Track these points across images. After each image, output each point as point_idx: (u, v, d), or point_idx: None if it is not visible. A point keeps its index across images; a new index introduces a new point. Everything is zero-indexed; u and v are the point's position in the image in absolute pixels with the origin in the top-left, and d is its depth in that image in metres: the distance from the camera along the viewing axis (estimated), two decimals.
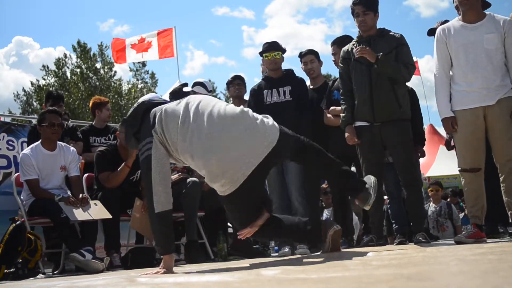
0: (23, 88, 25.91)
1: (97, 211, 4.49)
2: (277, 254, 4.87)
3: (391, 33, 4.19)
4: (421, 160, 5.05)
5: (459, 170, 3.84)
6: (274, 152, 2.94)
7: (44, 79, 24.40)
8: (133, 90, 25.33)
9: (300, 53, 5.21)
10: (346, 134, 4.18)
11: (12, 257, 4.16)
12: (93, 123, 5.93)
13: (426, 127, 12.83)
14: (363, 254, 3.18)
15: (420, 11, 49.03)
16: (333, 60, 4.89)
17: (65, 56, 24.77)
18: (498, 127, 3.70)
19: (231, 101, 5.78)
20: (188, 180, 4.90)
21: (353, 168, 5.02)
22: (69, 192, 4.71)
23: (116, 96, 23.86)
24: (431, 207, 7.45)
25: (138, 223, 4.80)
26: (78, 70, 24.19)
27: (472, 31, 3.76)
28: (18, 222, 4.23)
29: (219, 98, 26.75)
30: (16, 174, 4.94)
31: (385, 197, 4.79)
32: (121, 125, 5.00)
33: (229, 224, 5.78)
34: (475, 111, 3.71)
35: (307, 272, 2.13)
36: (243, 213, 3.05)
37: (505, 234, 4.33)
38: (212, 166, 2.87)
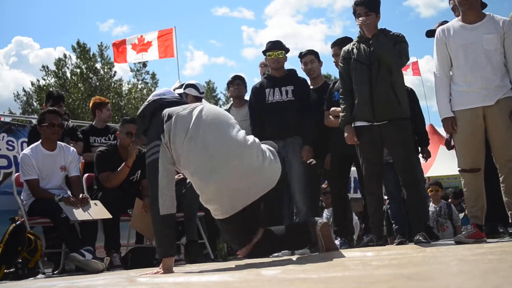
0: (23, 88, 25.93)
1: (97, 211, 4.49)
2: (277, 254, 4.86)
3: (391, 33, 4.20)
4: (421, 159, 5.05)
5: (459, 170, 3.85)
6: (271, 190, 3.02)
7: (44, 79, 24.42)
8: (133, 90, 25.35)
9: (300, 53, 5.21)
10: (345, 134, 4.18)
11: (12, 257, 4.16)
12: (93, 123, 5.93)
13: (426, 127, 12.80)
14: (363, 254, 3.18)
15: (420, 11, 49.08)
16: (334, 61, 4.89)
17: (65, 56, 24.80)
18: (497, 127, 3.70)
19: (231, 101, 5.79)
20: (188, 180, 4.89)
21: (353, 168, 5.04)
22: (69, 192, 4.71)
23: (116, 97, 23.86)
24: (431, 207, 7.45)
25: (138, 223, 4.80)
26: (78, 70, 24.19)
27: (472, 31, 3.76)
28: (18, 222, 4.23)
29: (219, 98, 26.27)
30: (16, 174, 4.94)
31: (385, 197, 4.79)
32: (121, 125, 5.02)
33: None
34: (474, 111, 3.71)
35: (307, 272, 2.13)
36: (236, 235, 3.14)
37: (505, 234, 4.33)
38: (209, 191, 2.92)
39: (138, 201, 4.78)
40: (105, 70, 24.66)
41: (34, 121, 6.48)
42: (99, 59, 24.77)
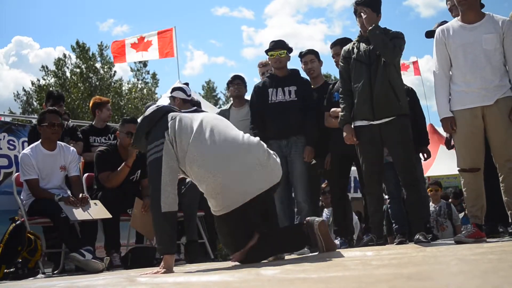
0: (23, 88, 25.91)
1: (97, 211, 4.49)
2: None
3: (391, 32, 4.21)
4: (422, 159, 5.05)
5: (459, 170, 3.85)
6: (271, 189, 3.07)
7: (44, 79, 24.42)
8: (133, 90, 25.35)
9: (300, 53, 5.21)
10: (344, 134, 4.18)
11: (12, 257, 4.16)
12: (93, 123, 5.93)
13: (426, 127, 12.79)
14: (363, 254, 3.18)
15: (419, 11, 49.06)
16: (335, 61, 4.88)
17: (65, 56, 24.79)
18: (496, 127, 3.70)
19: (231, 101, 5.79)
20: (188, 180, 4.90)
21: (353, 168, 5.04)
22: (69, 192, 4.71)
23: (116, 96, 23.86)
24: (430, 207, 7.45)
25: (138, 223, 4.80)
26: (78, 70, 24.18)
27: (471, 31, 3.76)
28: (18, 222, 4.23)
29: (219, 98, 26.27)
30: (16, 174, 4.94)
31: (386, 197, 4.79)
32: (121, 125, 5.01)
33: None
34: (473, 111, 3.72)
35: (307, 272, 2.13)
36: (232, 237, 3.14)
37: (505, 234, 4.33)
38: (216, 182, 2.92)
39: (138, 201, 4.78)
40: (105, 70, 24.65)
41: (34, 121, 6.48)
42: (99, 59, 24.78)
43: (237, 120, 4.94)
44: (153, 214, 2.96)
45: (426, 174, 11.41)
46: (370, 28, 4.06)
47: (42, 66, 24.65)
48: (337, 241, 4.69)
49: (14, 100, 25.71)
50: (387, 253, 3.14)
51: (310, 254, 3.95)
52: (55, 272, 4.84)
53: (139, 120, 3.42)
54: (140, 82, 26.24)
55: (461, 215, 7.68)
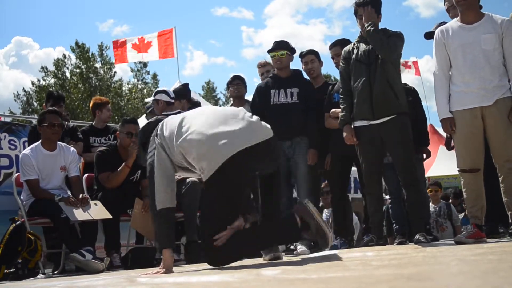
0: (23, 88, 25.92)
1: (97, 211, 4.49)
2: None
3: (390, 32, 4.22)
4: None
5: (458, 171, 3.85)
6: (258, 152, 2.91)
7: (44, 79, 24.43)
8: (133, 90, 25.35)
9: (301, 53, 5.21)
10: (344, 134, 4.18)
11: (12, 257, 4.16)
12: (93, 123, 5.93)
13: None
14: (363, 254, 3.18)
15: (419, 12, 49.10)
16: (335, 62, 4.88)
17: (64, 56, 24.80)
18: (496, 128, 3.70)
19: (231, 101, 5.79)
20: (188, 180, 4.90)
21: (353, 168, 5.04)
22: (69, 192, 4.71)
23: (116, 97, 23.87)
24: (430, 207, 7.45)
25: (138, 223, 4.80)
26: (78, 70, 24.19)
27: (470, 31, 3.76)
28: (18, 222, 4.23)
29: (219, 98, 26.34)
30: (16, 174, 4.94)
31: (386, 197, 4.80)
32: (121, 125, 5.02)
33: None
34: (473, 111, 3.72)
35: (307, 272, 2.13)
36: (216, 209, 2.93)
37: (505, 234, 4.33)
38: (204, 140, 2.90)
39: (138, 201, 4.78)
40: (105, 70, 24.66)
41: (34, 121, 6.48)
42: (99, 59, 24.79)
43: None
44: (151, 214, 3.05)
45: (426, 175, 11.42)
46: (367, 24, 4.06)
47: (42, 67, 24.68)
48: (337, 241, 4.69)
49: (14, 100, 25.76)
50: (387, 253, 3.15)
51: (310, 255, 3.96)
52: (55, 272, 4.85)
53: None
54: (140, 82, 26.27)
55: (461, 215, 7.68)
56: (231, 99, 5.84)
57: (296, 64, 5.09)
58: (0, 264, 4.10)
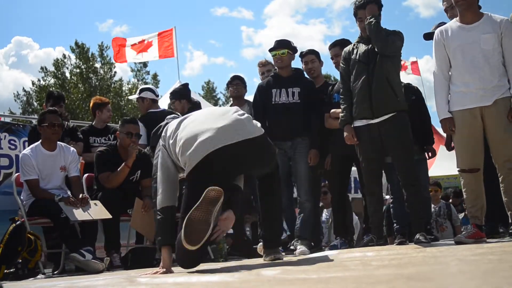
0: (23, 88, 25.92)
1: (97, 211, 4.49)
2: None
3: (390, 31, 4.22)
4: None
5: (458, 171, 3.85)
6: (241, 149, 2.87)
7: (44, 80, 24.42)
8: (133, 90, 25.33)
9: (301, 52, 5.22)
10: (345, 134, 4.19)
11: (12, 257, 4.16)
12: (93, 124, 5.93)
13: None
14: (363, 254, 3.19)
15: (419, 12, 49.02)
16: (335, 62, 4.88)
17: (64, 56, 24.79)
18: (495, 128, 3.71)
19: (231, 101, 5.79)
20: None
21: (353, 168, 5.04)
22: (69, 192, 4.71)
23: (116, 97, 23.86)
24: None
25: (138, 223, 4.80)
26: (78, 70, 24.19)
27: (469, 32, 3.77)
28: (18, 222, 4.23)
29: (219, 98, 26.34)
30: (16, 174, 4.94)
31: (387, 197, 4.79)
32: (121, 125, 5.02)
33: None
34: (472, 111, 3.72)
35: (307, 272, 2.13)
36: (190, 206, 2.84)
37: (505, 234, 4.33)
38: (188, 135, 2.93)
39: (138, 201, 4.78)
40: (105, 70, 24.66)
41: (34, 121, 6.48)
42: (99, 59, 24.78)
43: None
44: (154, 212, 3.08)
45: None
46: (369, 17, 4.07)
47: (41, 68, 24.68)
48: (337, 241, 4.69)
49: (14, 100, 25.73)
50: (387, 253, 3.15)
51: (310, 255, 3.96)
52: (55, 272, 4.84)
53: None
54: (140, 82, 26.23)
55: (461, 215, 7.68)
56: (231, 99, 5.84)
57: (296, 64, 5.07)
58: (0, 264, 4.10)
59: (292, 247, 4.65)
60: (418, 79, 17.34)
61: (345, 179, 4.99)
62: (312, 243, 4.70)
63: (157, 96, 5.67)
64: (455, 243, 3.74)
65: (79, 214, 4.37)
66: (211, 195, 2.65)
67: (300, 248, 4.34)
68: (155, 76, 26.47)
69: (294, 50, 4.92)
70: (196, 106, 5.62)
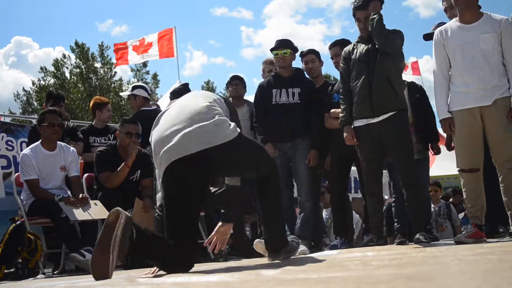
0: (23, 88, 25.93)
1: (97, 211, 4.49)
2: None
3: (390, 30, 4.22)
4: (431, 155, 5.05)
5: (458, 171, 3.86)
6: (209, 159, 2.76)
7: (44, 80, 24.42)
8: None
9: (301, 52, 5.22)
10: (345, 135, 4.19)
11: (12, 257, 4.16)
12: (93, 123, 5.94)
13: None
14: (363, 254, 3.18)
15: (419, 12, 49.02)
16: (335, 62, 4.88)
17: (64, 56, 24.79)
18: (495, 128, 3.71)
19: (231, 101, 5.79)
20: None
21: (353, 168, 5.04)
22: (69, 192, 4.71)
23: (116, 97, 23.85)
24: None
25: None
26: (78, 70, 24.18)
27: (469, 31, 3.77)
28: (18, 222, 4.23)
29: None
30: (16, 174, 4.94)
31: (386, 197, 4.79)
32: (121, 125, 5.02)
33: None
34: (472, 111, 3.72)
35: (307, 272, 2.13)
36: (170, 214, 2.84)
37: (505, 234, 4.33)
38: (153, 142, 2.92)
39: (138, 201, 4.78)
40: (105, 70, 24.66)
41: (34, 121, 6.48)
42: (99, 59, 24.78)
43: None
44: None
45: None
46: (373, 13, 4.08)
47: (41, 68, 24.68)
48: (337, 241, 4.69)
49: (14, 100, 25.75)
50: (387, 253, 3.15)
51: (310, 255, 3.96)
52: (55, 272, 4.84)
53: None
54: (140, 82, 26.23)
55: (461, 215, 7.68)
56: (230, 99, 5.83)
57: (296, 63, 5.07)
58: (0, 264, 4.11)
59: None
60: (418, 79, 17.35)
61: (345, 179, 4.99)
62: (312, 243, 4.71)
63: (149, 94, 5.69)
64: (455, 243, 3.74)
65: (79, 214, 4.37)
66: (109, 221, 2.57)
67: (300, 248, 4.34)
68: (155, 76, 26.48)
69: (296, 50, 4.93)
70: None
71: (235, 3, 53.11)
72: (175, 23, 48.32)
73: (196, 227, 2.90)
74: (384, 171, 4.58)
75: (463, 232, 3.83)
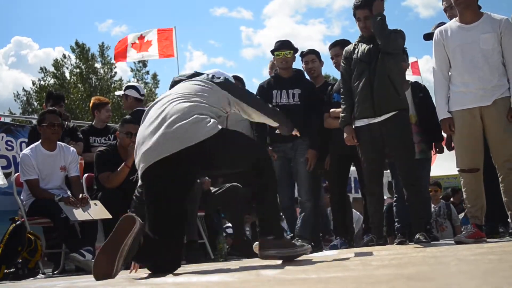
0: (23, 88, 25.93)
1: (97, 211, 4.49)
2: None
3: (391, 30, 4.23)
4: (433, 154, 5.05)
5: (458, 171, 3.86)
6: (186, 159, 2.72)
7: (44, 80, 24.42)
8: None
9: (302, 52, 5.22)
10: (345, 135, 4.19)
11: (12, 257, 4.16)
12: (93, 123, 5.94)
13: None
14: (363, 254, 3.18)
15: (418, 12, 49.06)
16: (335, 62, 4.88)
17: (64, 56, 24.79)
18: (495, 128, 3.71)
19: None
20: None
21: (352, 168, 5.04)
22: (69, 192, 4.71)
23: (116, 97, 23.86)
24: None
25: None
26: (78, 70, 24.18)
27: (469, 31, 3.77)
28: (18, 222, 4.23)
29: None
30: (16, 174, 4.94)
31: (384, 197, 4.79)
32: (121, 125, 5.02)
33: (228, 224, 5.77)
34: (472, 111, 3.72)
35: (307, 272, 2.13)
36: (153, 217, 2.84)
37: (505, 234, 4.33)
38: (136, 142, 3.01)
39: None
40: (105, 70, 24.66)
41: (34, 121, 6.48)
42: (99, 59, 24.79)
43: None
44: None
45: None
46: (376, 14, 4.08)
47: (41, 68, 24.68)
48: (337, 241, 4.69)
49: (14, 100, 25.76)
50: (387, 253, 3.15)
51: (310, 255, 3.96)
52: (55, 272, 4.84)
53: None
54: (140, 82, 26.22)
55: (461, 215, 7.68)
56: None
57: (296, 64, 5.08)
58: (0, 264, 4.10)
59: None
60: (418, 79, 17.35)
61: (344, 179, 4.98)
62: (312, 243, 4.71)
63: (142, 95, 5.70)
64: (455, 243, 3.74)
65: (79, 214, 4.37)
66: (122, 226, 2.59)
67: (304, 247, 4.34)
68: (154, 76, 26.48)
69: (296, 50, 4.94)
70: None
71: (235, 3, 53.18)
72: (175, 23, 48.32)
73: (181, 226, 2.86)
74: (385, 171, 4.58)
75: (463, 232, 3.83)
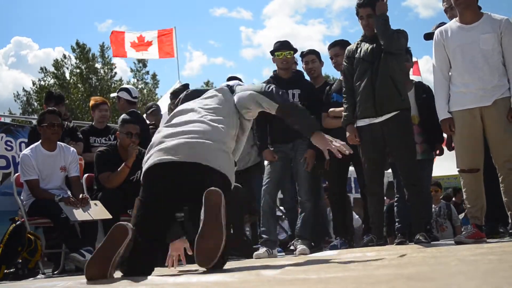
0: (23, 88, 25.92)
1: (97, 211, 4.49)
2: (281, 254, 4.88)
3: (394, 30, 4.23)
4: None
5: (458, 171, 3.85)
6: (186, 174, 2.76)
7: (44, 80, 24.42)
8: None
9: (302, 52, 5.22)
10: (347, 134, 4.18)
11: (12, 257, 4.16)
12: (93, 124, 5.94)
13: None
14: (363, 254, 3.18)
15: (418, 12, 48.99)
16: (334, 62, 4.88)
17: (64, 56, 24.79)
18: (495, 128, 3.71)
19: None
20: None
21: (351, 168, 5.04)
22: (69, 193, 4.71)
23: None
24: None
25: None
26: (78, 70, 24.19)
27: (469, 32, 3.77)
28: (18, 222, 4.23)
29: None
30: (16, 174, 4.94)
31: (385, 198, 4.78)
32: (121, 125, 5.02)
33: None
34: (472, 111, 3.72)
35: (307, 272, 2.13)
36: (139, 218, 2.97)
37: (505, 234, 4.33)
38: (155, 135, 3.00)
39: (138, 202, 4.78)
40: (105, 71, 24.66)
41: (34, 122, 6.48)
42: (99, 60, 24.79)
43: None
44: None
45: None
46: (380, 13, 4.09)
47: (41, 68, 24.68)
48: (337, 241, 4.69)
49: (14, 100, 25.74)
50: (387, 253, 3.15)
51: (310, 255, 3.96)
52: (55, 272, 4.84)
53: None
54: (140, 82, 26.24)
55: (461, 215, 7.68)
56: None
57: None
58: (0, 264, 4.11)
59: (292, 247, 4.66)
60: (418, 79, 17.35)
61: (343, 178, 4.98)
62: (312, 243, 4.71)
63: (134, 97, 5.77)
64: (455, 243, 3.74)
65: (79, 214, 4.37)
66: (114, 235, 2.69)
67: (300, 247, 4.34)
68: (154, 76, 26.49)
69: (295, 51, 4.94)
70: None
71: (234, 3, 53.16)
72: (175, 23, 48.38)
73: (165, 230, 2.95)
74: (386, 171, 4.58)
75: (463, 233, 3.83)
